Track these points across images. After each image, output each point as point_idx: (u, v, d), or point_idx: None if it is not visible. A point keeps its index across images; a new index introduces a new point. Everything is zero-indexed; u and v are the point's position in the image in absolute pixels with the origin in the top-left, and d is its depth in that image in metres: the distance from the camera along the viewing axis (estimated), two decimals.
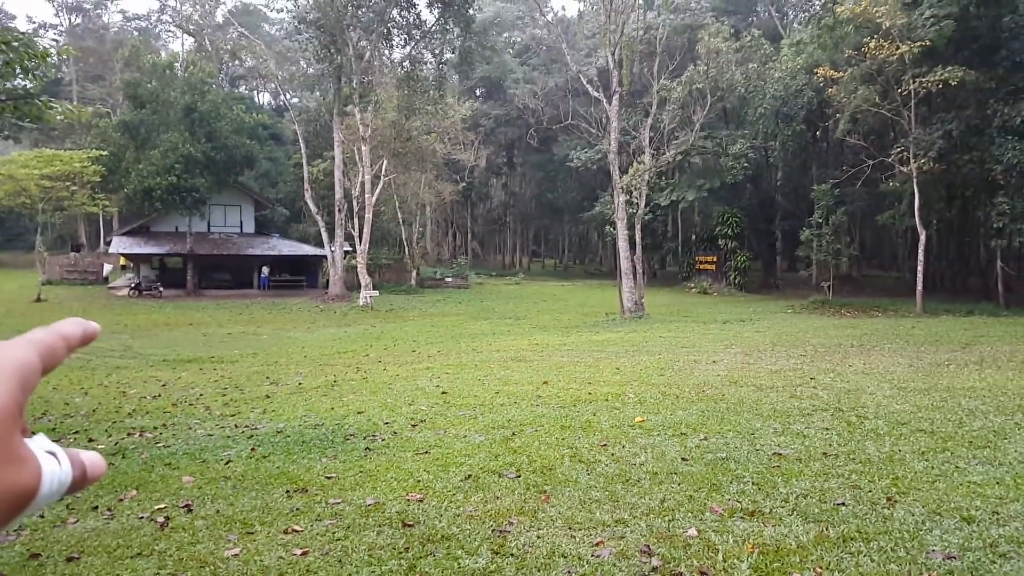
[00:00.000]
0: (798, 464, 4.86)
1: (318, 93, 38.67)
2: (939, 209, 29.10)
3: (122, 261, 40.13)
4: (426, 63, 35.44)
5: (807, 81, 31.83)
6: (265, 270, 36.95)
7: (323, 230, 34.23)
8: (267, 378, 10.80)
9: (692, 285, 37.32)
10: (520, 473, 4.83)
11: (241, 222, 38.58)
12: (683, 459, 5.06)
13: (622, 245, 25.59)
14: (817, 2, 35.65)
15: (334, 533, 3.85)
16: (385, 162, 34.14)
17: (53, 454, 0.47)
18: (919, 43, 25.11)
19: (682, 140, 31.26)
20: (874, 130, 31.41)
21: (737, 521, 3.82)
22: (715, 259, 37.81)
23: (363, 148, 31.93)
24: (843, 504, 4.01)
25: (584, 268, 56.72)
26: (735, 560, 3.32)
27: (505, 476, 4.77)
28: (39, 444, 0.46)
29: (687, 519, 3.87)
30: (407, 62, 34.25)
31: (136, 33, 57.11)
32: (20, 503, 0.43)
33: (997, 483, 4.30)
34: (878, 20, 25.88)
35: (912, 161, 26.27)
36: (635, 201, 26.96)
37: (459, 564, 3.40)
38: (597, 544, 3.57)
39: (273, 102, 54.33)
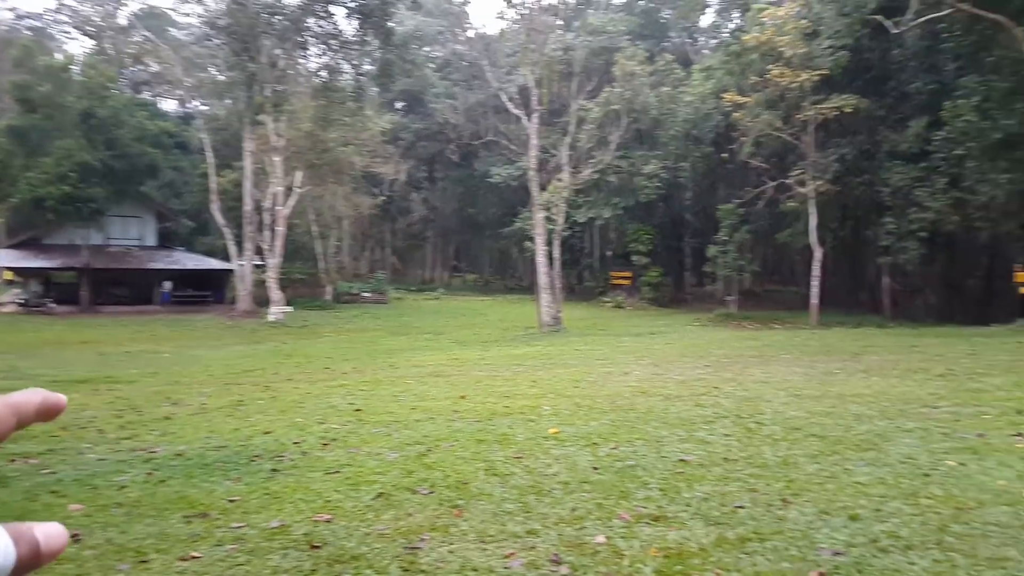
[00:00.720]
0: (701, 469, 5.08)
1: (228, 101, 37.43)
2: (833, 228, 30.93)
3: (9, 275, 37.49)
4: (344, 74, 34.99)
5: (715, 105, 33.32)
6: (167, 285, 35.31)
7: (231, 243, 33.10)
8: (167, 399, 10.31)
9: (608, 300, 38.18)
10: (434, 489, 4.82)
11: (142, 234, 36.79)
12: (594, 468, 5.19)
13: (541, 260, 25.97)
14: (725, 30, 37.48)
15: (235, 558, 3.73)
16: (300, 174, 33.37)
17: None
18: (818, 72, 26.78)
19: (599, 159, 32.08)
20: (776, 153, 33.13)
21: (643, 526, 3.95)
22: (630, 275, 38.86)
23: (276, 159, 31.14)
24: (742, 506, 4.22)
25: (504, 283, 57.01)
26: (640, 564, 3.44)
27: (418, 492, 4.75)
28: None
29: (596, 526, 3.98)
30: (324, 72, 33.70)
31: (28, 33, 53.73)
32: None
33: (880, 482, 4.62)
34: (781, 49, 27.47)
35: (810, 183, 27.87)
36: (554, 218, 27.45)
37: None
38: (508, 556, 3.61)
39: (180, 109, 52.20)
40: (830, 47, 27.18)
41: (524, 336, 23.32)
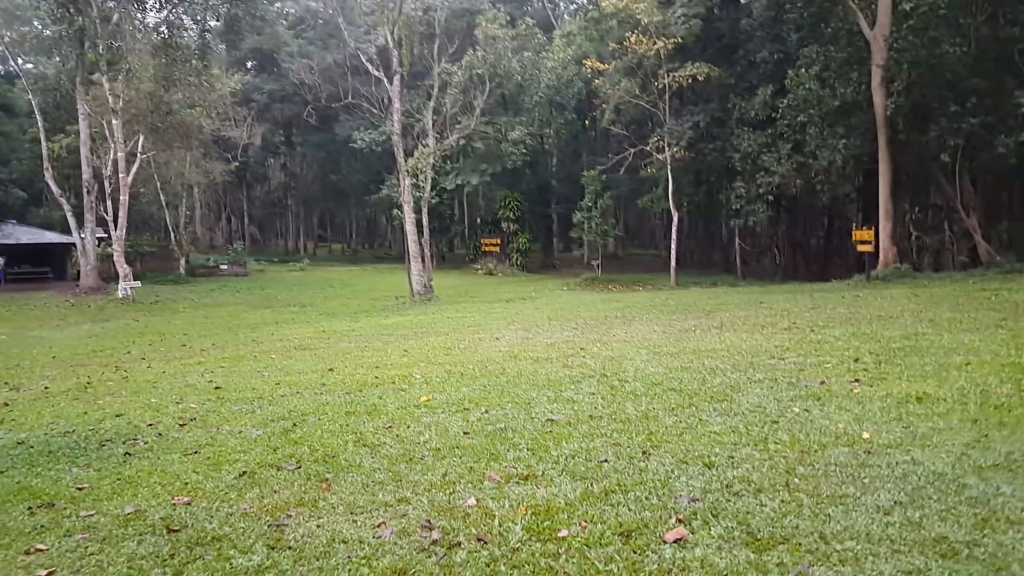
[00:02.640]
0: (568, 428, 5.17)
1: (57, 59, 33.67)
2: (689, 193, 32.55)
3: None
4: (187, 30, 32.32)
5: (577, 72, 33.89)
6: (0, 261, 31.82)
7: (70, 215, 30.09)
8: (5, 384, 9.44)
9: (479, 267, 38.37)
10: (300, 464, 4.64)
11: None
12: (465, 433, 5.17)
13: (410, 228, 25.55)
14: None
15: (86, 548, 3.47)
16: (142, 138, 30.66)
17: None
18: (672, 40, 27.77)
19: (464, 125, 31.82)
20: (635, 120, 34.30)
21: (513, 486, 3.97)
22: (499, 241, 39.21)
23: (114, 122, 28.40)
24: (606, 461, 4.33)
25: (373, 252, 55.81)
26: (510, 523, 3.45)
27: (284, 469, 4.56)
28: None
29: (467, 490, 3.96)
30: (164, 28, 30.95)
31: None
32: None
33: (732, 431, 4.88)
34: (638, 16, 28.19)
35: (667, 150, 29.09)
36: (421, 184, 27.02)
37: (231, 565, 3.20)
38: (379, 525, 3.53)
39: (1, 68, 46.31)
40: (684, 15, 28.25)
41: (395, 306, 22.95)
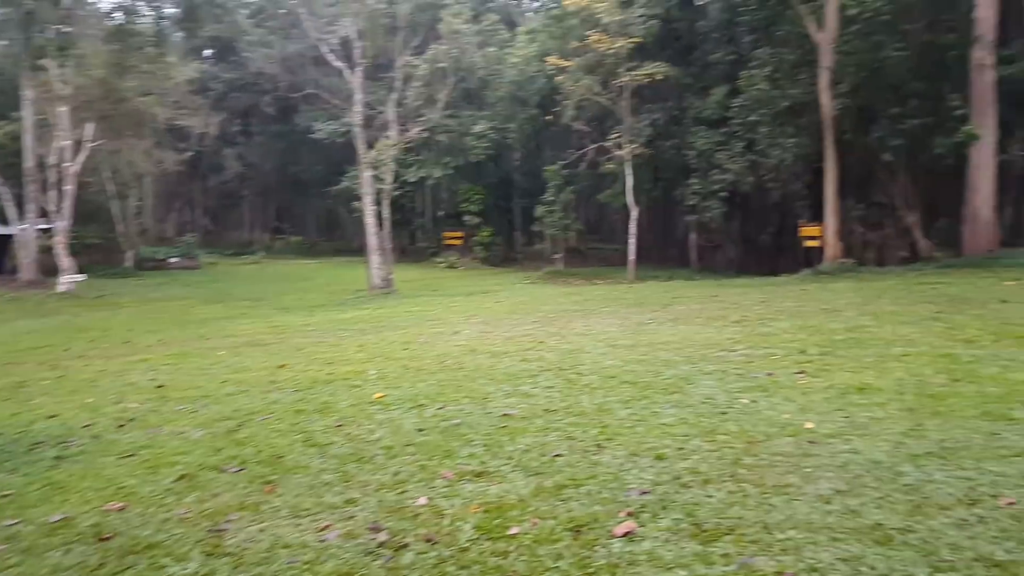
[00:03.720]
0: (524, 422, 5.19)
1: (3, 42, 32.40)
2: (647, 189, 32.86)
3: None
4: (143, 16, 31.39)
5: (540, 68, 33.88)
6: None
7: (9, 205, 29.01)
8: None
9: (441, 260, 38.17)
10: (244, 466, 4.55)
11: None
12: (419, 430, 5.14)
13: (370, 221, 25.27)
14: None
15: (6, 560, 3.32)
16: (91, 126, 29.69)
17: None
18: (632, 39, 28.02)
19: (427, 117, 31.57)
20: (596, 117, 34.48)
21: (466, 484, 3.97)
22: (461, 234, 39.06)
23: (62, 109, 27.44)
24: (560, 455, 4.36)
25: (332, 245, 54.99)
26: (460, 522, 3.44)
27: (226, 471, 4.46)
28: None
29: (418, 489, 3.94)
30: (119, 13, 30.00)
31: None
32: None
33: (683, 423, 4.97)
34: (599, 15, 28.38)
35: (626, 146, 29.36)
36: (383, 177, 26.74)
37: (164, 573, 3.11)
38: (324, 528, 3.48)
39: None
40: (643, 16, 28.53)
41: (353, 300, 22.69)
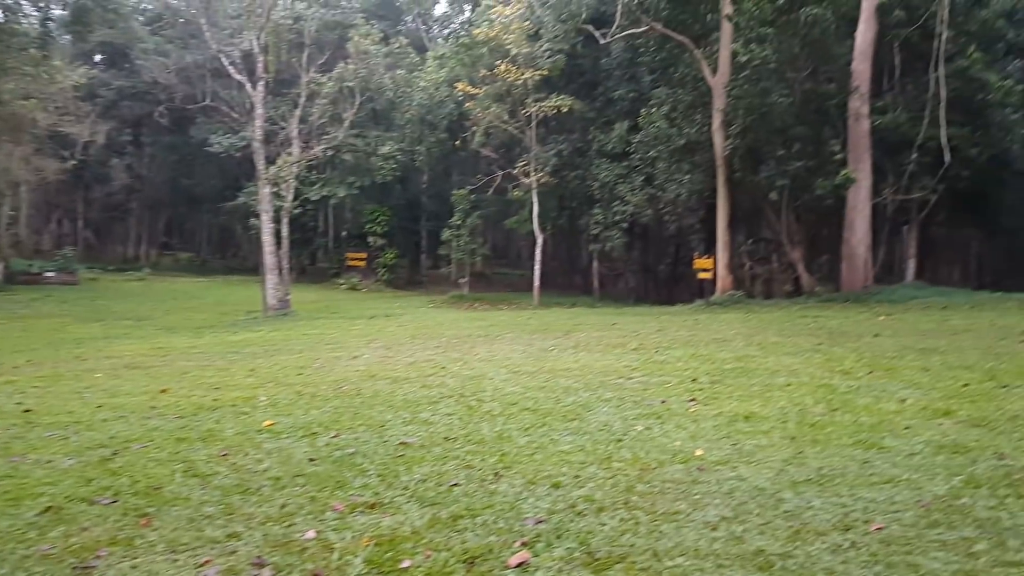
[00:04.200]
0: (421, 451, 5.09)
1: None
2: (553, 217, 33.60)
3: None
4: (27, 16, 29.36)
5: (449, 93, 34.14)
6: None
7: None
8: None
9: (342, 281, 37.35)
10: (118, 497, 4.21)
11: None
12: (311, 460, 4.94)
13: (267, 239, 24.42)
14: (457, 21, 38.50)
15: None
16: None
17: None
18: (539, 72, 28.75)
19: (332, 136, 31.04)
20: (504, 144, 35.05)
21: (358, 516, 3.83)
22: (365, 256, 38.42)
23: None
24: (457, 484, 4.30)
25: (226, 263, 52.73)
26: (350, 556, 3.31)
27: (97, 503, 4.12)
28: None
29: (307, 522, 3.76)
30: None
31: None
32: None
33: (580, 450, 5.02)
34: (508, 46, 28.99)
35: (533, 174, 29.92)
36: (283, 194, 25.96)
37: None
38: (203, 564, 3.26)
39: None
40: (549, 50, 29.38)
41: (246, 321, 21.77)
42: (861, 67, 20.64)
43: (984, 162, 21.71)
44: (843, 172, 19.78)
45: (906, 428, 5.35)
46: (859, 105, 20.46)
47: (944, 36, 19.64)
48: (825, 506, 3.79)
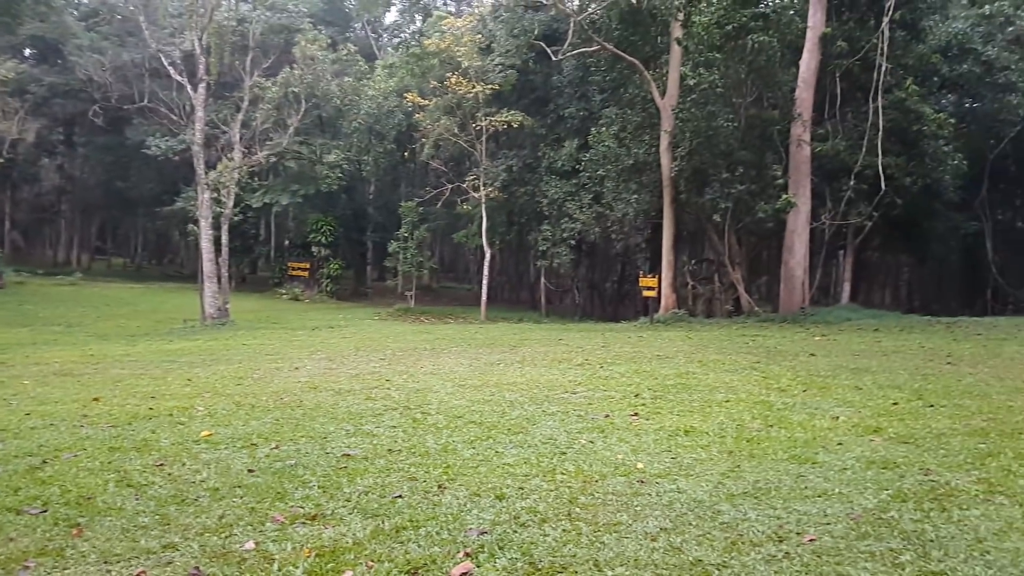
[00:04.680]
0: (365, 463, 5.04)
1: None
2: (501, 232, 33.68)
3: None
4: None
5: (398, 103, 34.01)
6: None
7: None
8: None
9: (284, 291, 36.57)
10: (47, 507, 4.07)
11: None
12: (250, 471, 4.84)
13: (205, 246, 23.75)
14: (407, 31, 38.46)
15: None
16: None
17: None
18: (490, 86, 28.90)
19: (276, 142, 30.51)
20: (454, 157, 35.03)
21: (298, 527, 3.77)
22: (308, 265, 37.70)
23: None
24: (400, 496, 4.28)
25: (162, 270, 51.12)
26: (291, 567, 3.27)
27: (26, 513, 3.97)
28: None
29: (246, 532, 3.70)
30: None
31: None
32: None
33: (525, 462, 5.06)
34: (459, 59, 29.06)
35: (482, 188, 29.98)
36: (223, 200, 25.33)
37: None
38: (138, 575, 3.17)
39: None
40: (501, 64, 29.59)
41: (183, 330, 21.11)
42: (804, 95, 21.44)
43: (917, 191, 22.74)
44: (784, 197, 20.45)
45: (839, 444, 5.56)
46: (801, 132, 21.23)
47: (883, 68, 20.55)
48: (761, 518, 3.91)
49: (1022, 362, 10.33)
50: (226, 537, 3.63)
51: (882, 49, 20.57)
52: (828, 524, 3.83)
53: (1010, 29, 25.93)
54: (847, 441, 5.66)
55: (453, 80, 28.60)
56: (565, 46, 25.36)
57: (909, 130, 21.78)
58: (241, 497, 4.26)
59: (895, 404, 7.20)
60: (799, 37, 21.48)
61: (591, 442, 5.65)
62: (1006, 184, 31.07)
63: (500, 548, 3.48)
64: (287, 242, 43.16)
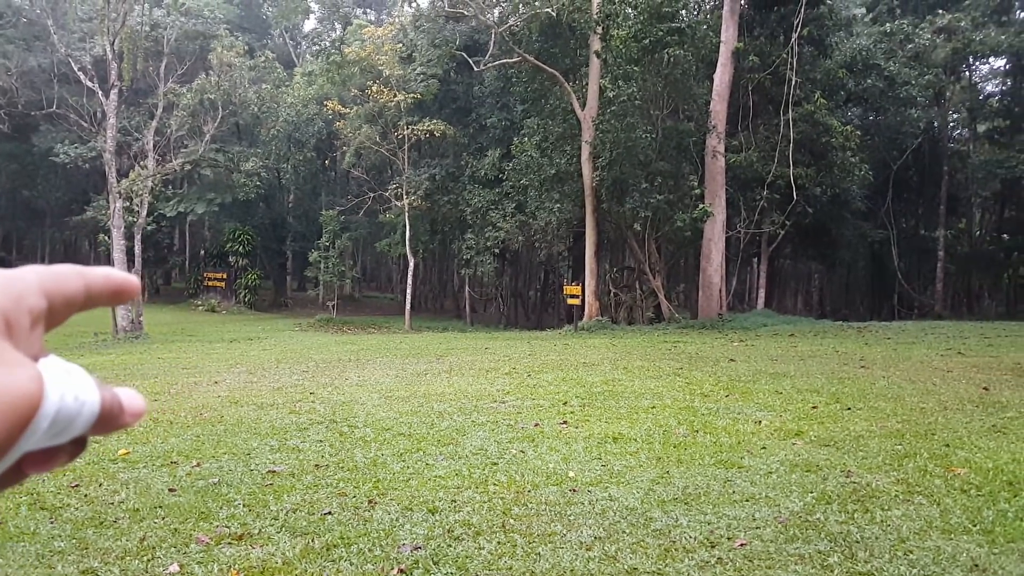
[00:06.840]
0: (291, 479, 4.92)
1: None
2: (425, 240, 33.46)
3: None
4: None
5: (318, 111, 33.40)
6: None
7: None
8: None
9: (200, 303, 35.18)
10: None
11: None
12: (171, 490, 4.64)
13: (118, 257, 22.64)
14: (327, 39, 37.83)
15: None
16: None
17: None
18: (412, 95, 28.76)
19: (191, 150, 29.41)
20: (376, 166, 34.62)
21: (224, 548, 3.64)
22: (225, 276, 36.41)
23: None
24: (330, 513, 4.19)
25: None
26: None
27: None
28: (52, 362, 0.38)
29: (169, 555, 3.54)
30: None
31: None
32: (18, 413, 0.34)
33: (456, 474, 5.04)
34: (380, 67, 28.79)
35: (405, 197, 29.74)
36: (136, 209, 24.22)
37: None
38: None
39: None
40: (422, 74, 29.52)
41: (94, 344, 20.02)
42: (718, 107, 22.32)
43: (826, 201, 23.97)
44: (701, 206, 21.19)
45: (763, 448, 5.77)
46: (716, 143, 22.08)
47: (793, 82, 21.65)
48: (692, 524, 4.03)
49: (931, 365, 10.92)
50: (148, 560, 3.47)
51: (792, 64, 21.65)
52: (757, 528, 3.96)
53: (910, 46, 27.79)
54: (771, 445, 5.86)
55: (374, 88, 28.31)
56: (486, 57, 25.56)
57: (818, 142, 22.97)
58: (163, 518, 4.08)
59: (814, 408, 7.48)
60: (713, 51, 22.35)
61: (522, 452, 5.68)
62: (909, 193, 33.20)
63: (435, 563, 3.47)
64: (203, 252, 41.57)
